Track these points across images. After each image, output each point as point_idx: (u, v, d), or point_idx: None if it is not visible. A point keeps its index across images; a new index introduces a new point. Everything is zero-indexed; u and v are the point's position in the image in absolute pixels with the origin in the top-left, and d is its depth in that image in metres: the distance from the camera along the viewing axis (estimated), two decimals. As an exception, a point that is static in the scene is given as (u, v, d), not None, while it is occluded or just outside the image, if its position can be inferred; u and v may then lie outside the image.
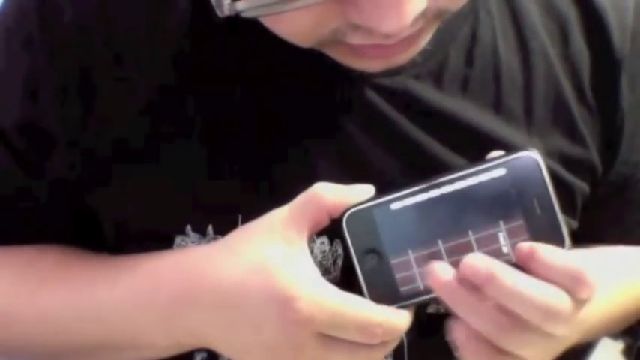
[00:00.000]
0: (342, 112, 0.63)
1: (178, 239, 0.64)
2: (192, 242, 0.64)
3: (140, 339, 0.63)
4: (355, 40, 0.54)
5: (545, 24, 0.67)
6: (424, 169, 0.63)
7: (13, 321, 0.66)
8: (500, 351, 0.56)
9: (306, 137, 0.63)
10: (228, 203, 0.63)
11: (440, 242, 0.56)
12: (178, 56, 0.63)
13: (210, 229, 0.64)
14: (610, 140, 0.69)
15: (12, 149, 0.66)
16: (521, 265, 0.55)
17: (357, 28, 0.53)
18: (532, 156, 0.56)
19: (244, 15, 0.52)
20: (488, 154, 0.59)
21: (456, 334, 0.57)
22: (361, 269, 0.57)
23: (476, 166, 0.57)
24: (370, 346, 0.57)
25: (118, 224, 0.66)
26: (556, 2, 0.67)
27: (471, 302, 0.55)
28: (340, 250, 0.64)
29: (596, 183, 0.70)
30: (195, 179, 0.63)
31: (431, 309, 0.66)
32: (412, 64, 0.63)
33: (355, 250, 0.57)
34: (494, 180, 0.56)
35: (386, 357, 0.65)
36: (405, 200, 0.56)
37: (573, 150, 0.68)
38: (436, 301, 0.64)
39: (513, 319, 0.54)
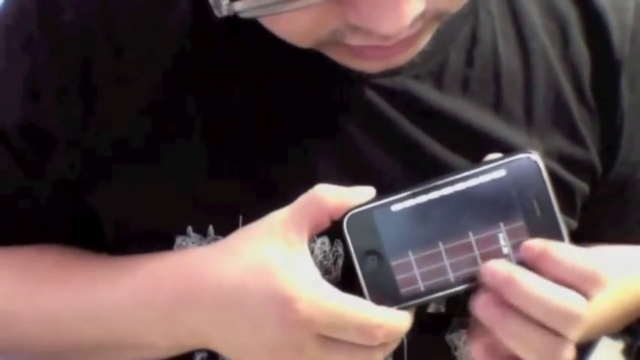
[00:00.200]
0: (342, 113, 0.63)
1: (179, 240, 0.64)
2: (193, 243, 0.64)
3: (140, 339, 0.63)
4: (354, 41, 0.54)
5: (546, 24, 0.67)
6: (424, 169, 0.63)
7: (13, 321, 0.66)
8: None
9: (306, 137, 0.63)
10: (228, 203, 0.63)
11: (440, 243, 0.56)
12: (179, 56, 0.63)
13: (210, 229, 0.64)
14: (610, 140, 0.69)
15: (12, 149, 0.66)
16: (529, 263, 0.56)
17: (355, 29, 0.53)
18: (532, 157, 0.56)
19: (242, 15, 0.52)
20: (488, 155, 0.59)
21: (475, 350, 0.58)
22: (362, 271, 0.57)
23: (476, 167, 0.57)
24: (370, 347, 0.57)
25: (118, 224, 0.66)
26: (556, 3, 0.67)
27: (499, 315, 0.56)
28: (341, 251, 0.64)
29: (596, 183, 0.70)
30: (196, 179, 0.63)
31: (431, 309, 0.66)
32: (412, 64, 0.63)
33: (356, 252, 0.57)
34: (494, 181, 0.56)
35: (385, 357, 0.65)
36: (406, 202, 0.56)
37: (573, 150, 0.68)
38: (436, 301, 0.65)
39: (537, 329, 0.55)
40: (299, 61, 0.61)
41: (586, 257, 0.56)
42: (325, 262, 0.64)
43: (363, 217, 0.57)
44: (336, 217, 0.57)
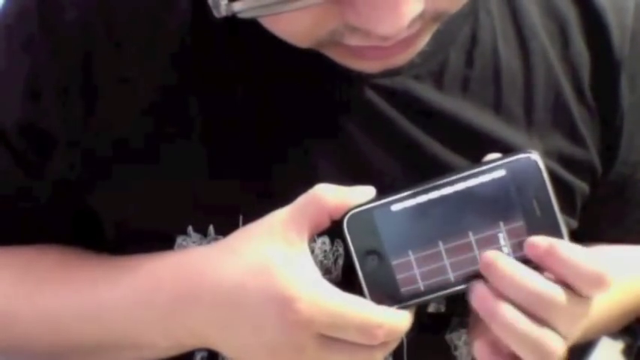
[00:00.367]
0: (343, 113, 0.64)
1: (179, 239, 0.64)
2: (194, 242, 0.64)
3: (141, 339, 0.63)
4: (353, 41, 0.54)
5: (545, 25, 0.67)
6: (424, 169, 0.63)
7: (13, 321, 0.67)
8: None
9: (306, 137, 0.63)
10: (228, 203, 0.63)
11: (440, 243, 0.57)
12: (179, 56, 0.63)
13: (211, 229, 0.64)
14: (610, 140, 0.69)
15: (12, 149, 0.66)
16: (534, 260, 0.56)
17: (354, 29, 0.53)
18: (532, 157, 0.56)
19: (241, 16, 0.52)
20: (487, 155, 0.59)
21: (479, 351, 0.58)
22: (362, 270, 0.57)
23: (476, 167, 0.57)
24: (371, 346, 0.57)
25: (119, 224, 0.66)
26: (556, 3, 0.67)
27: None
28: (341, 250, 0.64)
29: (596, 183, 0.70)
30: (196, 179, 0.63)
31: (431, 309, 0.66)
32: (412, 64, 0.63)
33: (356, 252, 0.57)
34: (494, 181, 0.56)
35: (385, 357, 0.65)
36: (406, 202, 0.56)
37: (573, 150, 0.68)
38: (436, 301, 0.65)
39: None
40: (299, 61, 0.61)
41: (590, 257, 0.56)
42: (325, 262, 0.64)
43: (363, 217, 0.57)
44: (337, 216, 0.57)
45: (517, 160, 0.56)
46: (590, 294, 0.56)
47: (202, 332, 0.60)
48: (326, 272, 0.63)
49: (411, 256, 0.57)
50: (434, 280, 0.57)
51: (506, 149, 0.62)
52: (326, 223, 0.58)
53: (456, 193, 0.56)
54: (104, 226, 0.67)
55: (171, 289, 0.61)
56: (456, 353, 0.69)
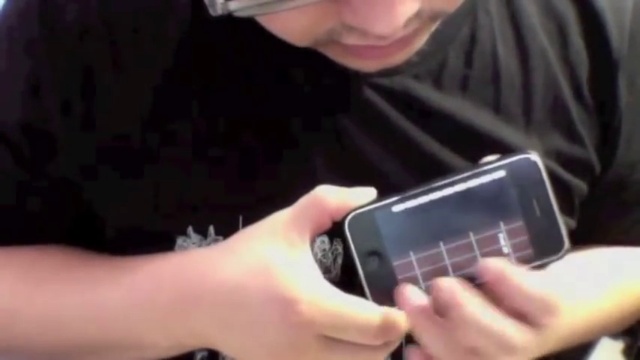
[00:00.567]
0: (342, 112, 0.64)
1: (180, 240, 0.64)
2: (194, 243, 0.64)
3: (142, 339, 0.63)
4: (350, 40, 0.54)
5: (544, 24, 0.67)
6: (423, 168, 0.63)
7: (14, 321, 0.67)
8: None
9: (305, 137, 0.64)
10: (228, 203, 0.63)
11: (441, 244, 0.57)
12: (179, 56, 0.63)
13: (211, 229, 0.64)
14: (608, 140, 0.69)
15: (13, 149, 0.66)
16: (488, 284, 0.55)
17: (351, 28, 0.53)
18: (532, 158, 0.56)
19: (237, 14, 0.52)
20: (486, 154, 0.59)
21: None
22: (363, 271, 0.57)
23: (476, 168, 0.57)
24: (372, 347, 0.57)
25: (119, 224, 0.66)
26: (555, 3, 0.67)
27: (431, 326, 0.55)
28: (340, 249, 0.64)
29: (594, 183, 0.70)
30: (196, 179, 0.64)
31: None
32: (412, 64, 0.63)
33: (357, 253, 0.57)
34: (494, 182, 0.56)
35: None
36: (407, 203, 0.57)
37: (572, 150, 0.68)
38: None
39: (469, 347, 0.55)
40: (299, 60, 0.61)
41: (541, 284, 0.54)
42: (325, 261, 0.64)
43: (364, 218, 0.57)
44: (338, 218, 0.57)
45: (517, 160, 0.56)
46: (541, 322, 0.55)
47: (203, 332, 0.60)
48: (325, 271, 0.63)
49: (412, 257, 0.57)
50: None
51: (505, 149, 0.62)
52: (327, 225, 0.58)
53: (457, 193, 0.56)
54: (105, 226, 0.67)
55: (172, 289, 0.61)
56: None
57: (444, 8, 0.55)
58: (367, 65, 0.59)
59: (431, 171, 0.59)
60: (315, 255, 0.62)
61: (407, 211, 0.57)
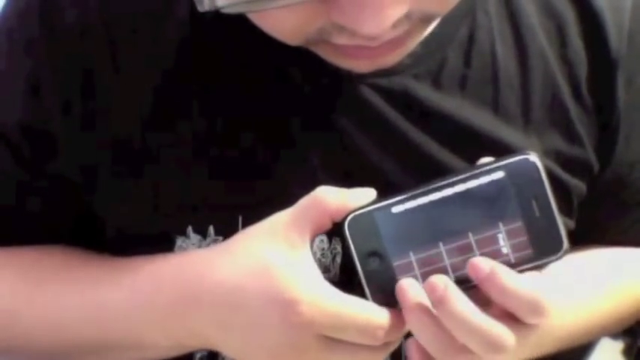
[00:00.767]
0: (341, 112, 0.64)
1: (179, 241, 0.64)
2: (193, 244, 0.64)
3: (142, 340, 0.63)
4: (341, 40, 0.54)
5: (543, 24, 0.67)
6: (422, 168, 0.63)
7: (15, 321, 0.67)
8: None
9: (305, 137, 0.64)
10: (228, 204, 0.63)
11: (441, 244, 0.57)
12: (179, 56, 0.63)
13: (211, 229, 0.64)
14: (606, 139, 0.69)
15: (13, 149, 0.66)
16: (478, 283, 0.55)
17: (342, 28, 0.53)
18: (531, 158, 0.56)
19: (225, 11, 0.52)
20: (485, 154, 0.59)
21: (410, 352, 0.57)
22: (363, 272, 0.57)
23: (475, 168, 0.57)
24: (372, 347, 0.57)
25: (119, 225, 0.66)
26: (554, 2, 0.67)
27: (426, 321, 0.55)
28: (339, 248, 0.64)
29: (593, 182, 0.70)
30: (196, 179, 0.64)
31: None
32: (410, 64, 0.63)
33: (357, 253, 0.57)
34: (493, 182, 0.56)
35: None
36: (406, 203, 0.57)
37: (570, 150, 0.68)
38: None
39: (460, 345, 0.55)
40: (298, 61, 0.61)
41: (530, 284, 0.54)
42: (324, 260, 0.64)
43: (364, 219, 0.57)
44: (338, 218, 0.58)
45: (516, 161, 0.57)
46: (529, 321, 0.55)
47: (203, 333, 0.60)
48: (324, 270, 0.63)
49: (412, 257, 0.57)
50: None
51: (504, 148, 0.62)
52: (327, 225, 0.58)
53: (456, 194, 0.56)
54: (105, 226, 0.67)
55: (172, 290, 0.61)
56: None
57: (434, 10, 0.55)
58: (359, 65, 0.59)
59: (430, 171, 0.59)
60: (314, 254, 0.62)
61: (406, 211, 0.57)
